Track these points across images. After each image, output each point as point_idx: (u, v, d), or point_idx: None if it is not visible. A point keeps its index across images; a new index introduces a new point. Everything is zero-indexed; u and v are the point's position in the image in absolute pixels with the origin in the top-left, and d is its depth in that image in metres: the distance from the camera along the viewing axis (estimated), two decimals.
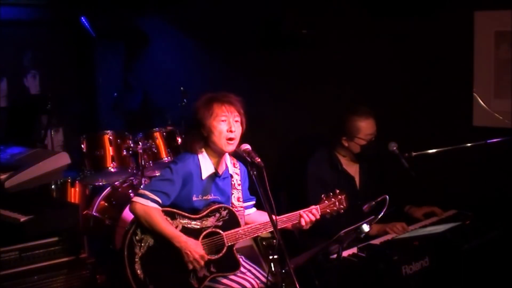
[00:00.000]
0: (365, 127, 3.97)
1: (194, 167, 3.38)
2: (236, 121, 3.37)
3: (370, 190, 4.03)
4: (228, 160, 3.53)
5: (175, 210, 3.31)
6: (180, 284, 3.26)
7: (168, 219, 3.27)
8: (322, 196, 3.52)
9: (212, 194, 3.43)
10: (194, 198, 3.37)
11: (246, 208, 3.62)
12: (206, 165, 3.40)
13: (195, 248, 3.22)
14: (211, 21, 5.66)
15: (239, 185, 3.55)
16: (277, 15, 4.92)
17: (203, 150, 3.41)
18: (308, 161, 4.12)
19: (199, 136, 3.39)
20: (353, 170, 4.14)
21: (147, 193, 3.26)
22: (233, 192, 3.52)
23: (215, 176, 3.44)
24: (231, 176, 3.53)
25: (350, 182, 4.10)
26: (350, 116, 4.01)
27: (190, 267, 3.24)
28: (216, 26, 5.62)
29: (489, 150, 3.79)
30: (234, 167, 3.57)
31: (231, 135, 3.33)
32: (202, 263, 3.24)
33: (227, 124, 3.33)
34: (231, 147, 3.35)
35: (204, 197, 3.40)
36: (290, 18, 4.87)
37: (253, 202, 3.67)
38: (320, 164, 4.09)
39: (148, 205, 3.22)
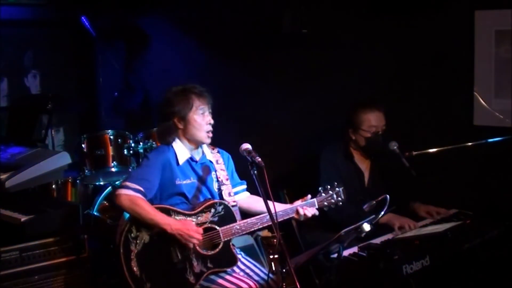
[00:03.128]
0: (368, 118, 4.00)
1: (170, 154, 3.43)
2: (210, 113, 3.46)
3: (377, 189, 4.05)
4: (205, 149, 3.56)
5: (169, 207, 3.32)
6: (177, 280, 3.26)
7: (152, 206, 3.28)
8: (320, 188, 3.52)
9: (191, 178, 3.45)
10: (178, 182, 3.40)
11: (237, 192, 3.62)
12: (181, 151, 3.45)
13: (186, 226, 3.23)
14: (211, 21, 5.66)
15: (227, 179, 3.56)
16: (278, 14, 4.92)
17: (177, 139, 3.46)
18: (323, 149, 4.15)
19: (174, 128, 3.43)
20: (364, 166, 4.17)
21: (127, 183, 3.29)
22: (222, 188, 3.52)
23: (191, 161, 3.48)
24: (216, 170, 3.54)
25: (359, 176, 4.13)
26: (355, 107, 4.07)
27: (190, 245, 3.25)
28: (216, 26, 5.61)
29: (489, 149, 3.79)
30: (218, 163, 3.58)
31: (210, 128, 3.43)
32: (200, 237, 3.24)
33: (207, 116, 3.42)
34: (209, 139, 3.44)
35: (185, 181, 3.42)
36: (291, 17, 4.87)
37: (244, 186, 3.68)
38: (335, 153, 4.13)
39: (130, 194, 3.24)
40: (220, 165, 3.58)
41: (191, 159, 3.47)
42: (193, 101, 3.40)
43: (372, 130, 4.01)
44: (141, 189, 3.27)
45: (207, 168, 3.53)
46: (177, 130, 3.44)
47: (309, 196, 3.50)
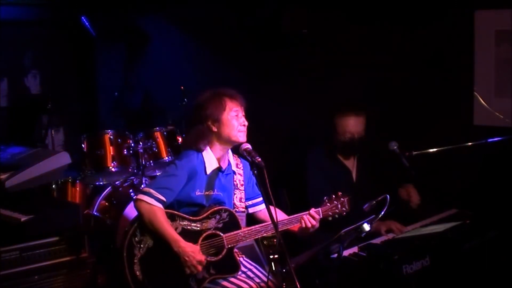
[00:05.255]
0: (345, 124, 4.04)
1: (198, 162, 3.38)
2: (243, 115, 3.41)
3: (366, 184, 4.09)
4: (230, 157, 3.53)
5: (175, 212, 3.30)
6: (179, 286, 3.25)
7: (168, 220, 3.26)
8: (325, 198, 3.50)
9: (215, 190, 3.42)
10: (197, 193, 3.36)
11: (257, 204, 3.59)
12: (210, 160, 3.40)
13: (193, 254, 3.21)
14: (211, 21, 5.66)
15: (241, 185, 3.54)
16: (277, 15, 4.92)
17: (208, 147, 3.42)
18: (308, 151, 4.20)
19: (207, 132, 3.38)
20: (350, 163, 4.19)
21: (152, 191, 3.25)
22: (235, 192, 3.52)
23: (218, 171, 3.44)
24: (234, 173, 3.53)
25: (347, 174, 4.16)
26: (334, 112, 4.12)
27: (188, 271, 3.23)
28: (216, 26, 5.62)
29: (489, 149, 3.79)
30: (237, 167, 3.56)
31: (244, 128, 3.38)
32: (200, 268, 3.23)
33: (240, 117, 3.37)
34: (245, 137, 3.37)
35: (207, 192, 3.40)
36: (290, 17, 4.87)
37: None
38: (319, 154, 4.18)
39: (153, 204, 3.22)
40: (239, 169, 3.56)
41: (218, 169, 3.44)
42: (226, 103, 3.36)
43: (347, 135, 4.04)
44: (163, 198, 3.25)
45: (231, 178, 3.52)
46: (210, 134, 3.38)
47: (313, 209, 3.49)
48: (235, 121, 3.35)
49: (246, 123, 3.39)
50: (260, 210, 3.60)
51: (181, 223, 3.29)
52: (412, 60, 4.50)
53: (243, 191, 3.55)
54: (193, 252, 3.22)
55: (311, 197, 3.93)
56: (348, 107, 4.09)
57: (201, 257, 3.23)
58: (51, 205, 3.97)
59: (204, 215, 3.34)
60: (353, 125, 4.03)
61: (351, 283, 3.32)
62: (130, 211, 4.24)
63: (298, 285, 2.86)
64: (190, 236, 3.27)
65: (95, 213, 4.74)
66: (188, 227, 3.30)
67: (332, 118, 4.10)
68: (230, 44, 5.53)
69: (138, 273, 3.20)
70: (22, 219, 3.58)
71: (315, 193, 3.91)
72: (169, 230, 3.23)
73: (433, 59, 4.39)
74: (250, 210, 3.59)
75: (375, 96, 4.61)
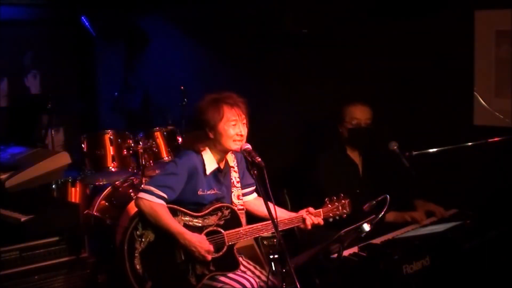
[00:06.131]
0: (351, 111, 4.13)
1: (198, 162, 3.37)
2: (244, 123, 3.39)
3: (372, 181, 4.14)
4: (228, 154, 3.54)
5: (177, 207, 3.31)
6: (179, 281, 3.26)
7: (170, 215, 3.26)
8: (326, 199, 3.52)
9: (215, 188, 3.43)
10: (200, 192, 3.37)
11: (246, 194, 3.61)
12: (209, 161, 3.40)
13: (199, 244, 3.22)
14: (211, 21, 5.66)
15: (238, 182, 3.55)
16: (278, 14, 4.92)
17: (206, 148, 3.41)
18: (319, 147, 4.30)
19: (204, 137, 3.38)
20: (356, 158, 4.24)
21: (152, 188, 3.25)
22: (232, 190, 3.52)
23: (217, 171, 3.45)
24: (231, 168, 3.53)
25: (354, 168, 4.21)
26: (341, 102, 4.21)
27: (204, 259, 3.25)
28: (216, 26, 5.62)
29: (489, 149, 3.79)
30: (232, 162, 3.56)
31: (239, 138, 3.34)
32: (209, 257, 3.25)
33: (237, 127, 3.34)
34: (238, 146, 3.35)
35: (209, 192, 3.40)
36: (291, 17, 4.87)
37: (254, 188, 3.65)
38: (330, 148, 4.26)
39: (154, 201, 3.22)
40: (234, 167, 3.56)
41: (218, 169, 3.44)
42: (224, 112, 3.32)
43: (353, 122, 4.11)
44: (165, 196, 3.24)
45: (229, 175, 3.53)
46: (207, 140, 3.38)
47: (311, 208, 3.49)
48: (231, 130, 3.32)
49: (244, 132, 3.36)
50: (250, 200, 3.63)
51: (183, 218, 3.30)
52: (412, 60, 4.50)
53: (240, 188, 3.56)
54: (200, 242, 3.23)
55: (328, 193, 3.90)
56: (356, 97, 4.20)
57: (209, 247, 3.24)
58: (51, 205, 3.98)
59: (206, 211, 3.35)
60: (360, 112, 4.12)
61: (351, 283, 3.32)
62: (133, 209, 4.24)
63: (298, 285, 2.85)
64: (191, 231, 3.28)
65: (95, 213, 4.74)
66: (190, 223, 3.30)
67: (339, 109, 4.18)
68: (230, 44, 5.53)
69: (138, 266, 3.20)
70: (22, 219, 3.59)
71: (332, 188, 3.87)
72: (173, 224, 3.23)
73: (433, 59, 4.39)
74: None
75: (375, 96, 4.60)
